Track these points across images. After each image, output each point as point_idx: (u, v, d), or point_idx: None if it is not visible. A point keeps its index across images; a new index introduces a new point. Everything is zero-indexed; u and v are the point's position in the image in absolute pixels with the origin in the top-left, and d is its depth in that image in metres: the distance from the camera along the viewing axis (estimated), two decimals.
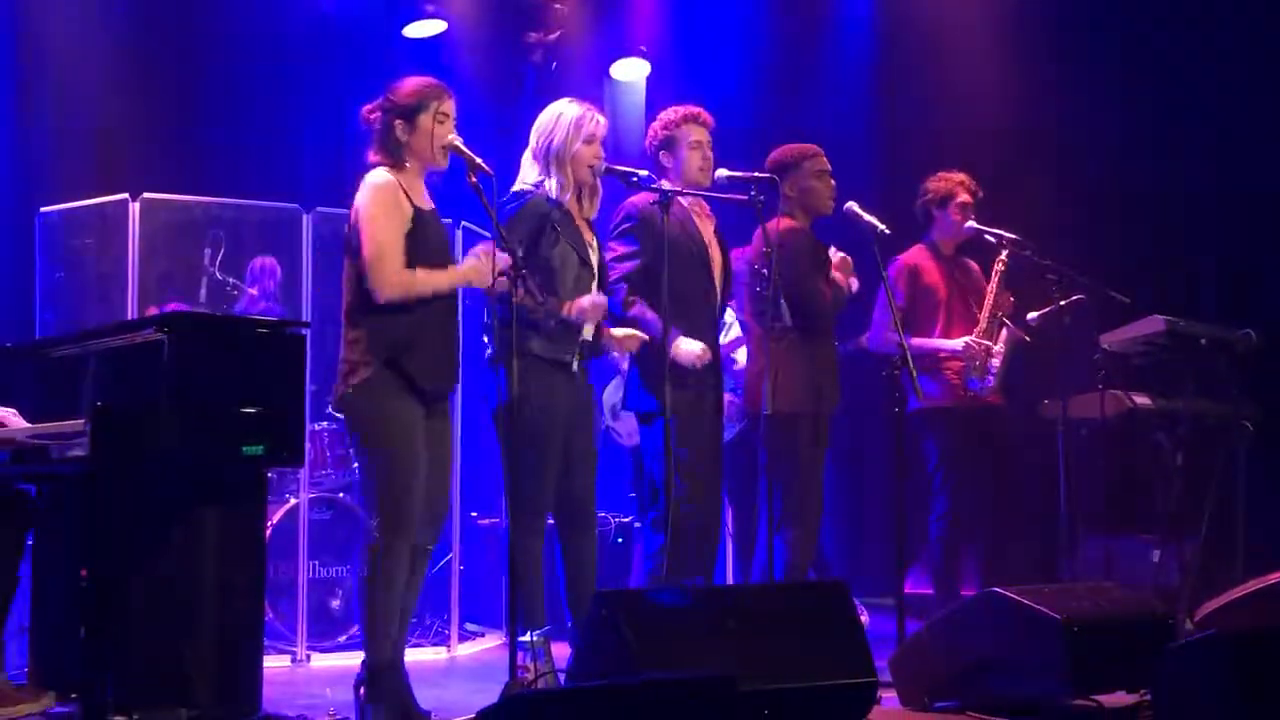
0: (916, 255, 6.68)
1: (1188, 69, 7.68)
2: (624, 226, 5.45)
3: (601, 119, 5.27)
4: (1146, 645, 4.66)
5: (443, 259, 4.86)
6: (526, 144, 5.34)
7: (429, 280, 4.71)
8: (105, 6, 7.35)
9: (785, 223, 5.73)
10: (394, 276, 4.66)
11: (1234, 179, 7.67)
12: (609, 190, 5.45)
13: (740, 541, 7.16)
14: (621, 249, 5.42)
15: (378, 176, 4.77)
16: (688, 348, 5.31)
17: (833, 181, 5.92)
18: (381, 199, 4.72)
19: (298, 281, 6.47)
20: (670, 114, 5.62)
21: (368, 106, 4.89)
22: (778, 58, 8.52)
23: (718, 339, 5.66)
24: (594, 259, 5.27)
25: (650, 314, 5.31)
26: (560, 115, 5.22)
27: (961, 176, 6.67)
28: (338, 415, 6.95)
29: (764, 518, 5.59)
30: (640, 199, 5.44)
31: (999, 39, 8.17)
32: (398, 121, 4.81)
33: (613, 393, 7.06)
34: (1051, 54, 8.08)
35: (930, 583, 6.69)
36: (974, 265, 6.73)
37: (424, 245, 4.75)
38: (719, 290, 5.62)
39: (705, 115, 5.59)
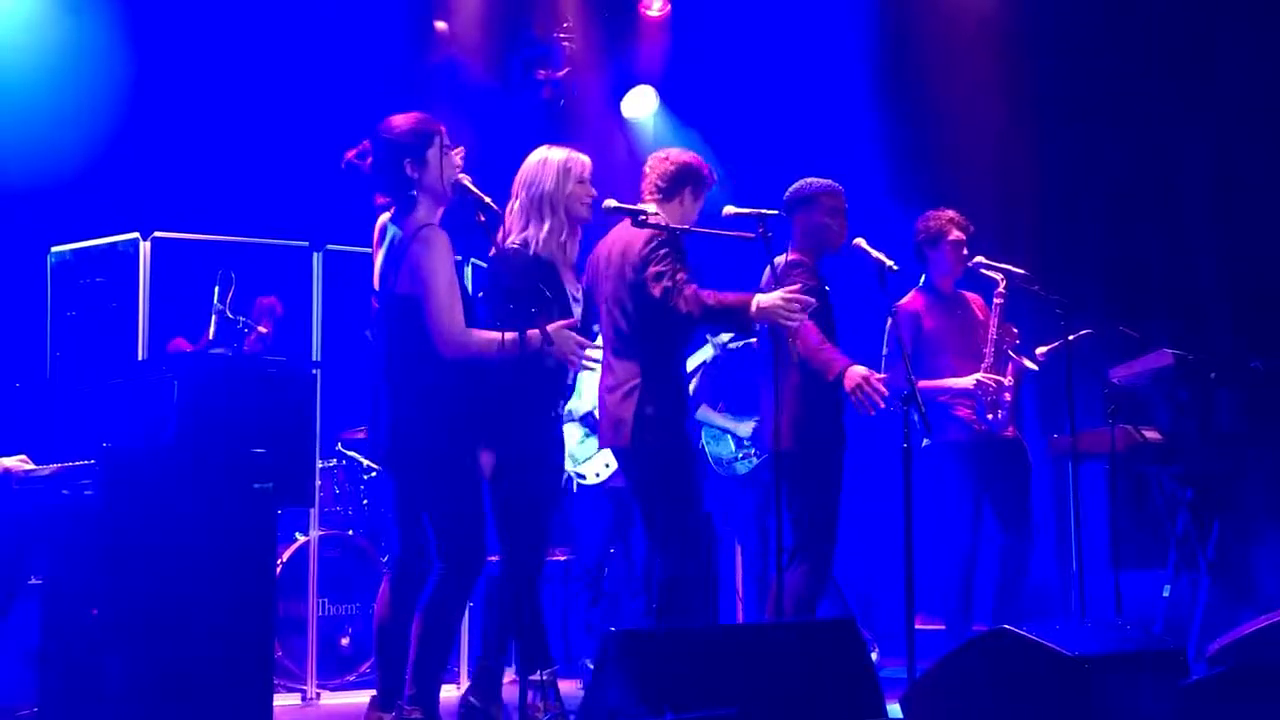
0: (915, 300, 6.65)
1: (1197, 89, 7.69)
2: (665, 250, 5.29)
3: (586, 159, 5.28)
4: (1158, 681, 4.64)
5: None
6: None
7: (494, 347, 4.74)
8: (115, 46, 7.39)
9: (791, 257, 5.76)
10: (460, 336, 4.73)
11: (1247, 208, 7.67)
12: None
13: (752, 577, 7.17)
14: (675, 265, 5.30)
15: (436, 231, 4.78)
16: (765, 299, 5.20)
17: (845, 221, 5.93)
18: (447, 257, 4.75)
19: (307, 320, 6.49)
20: (697, 158, 5.57)
21: (355, 150, 4.89)
22: (783, 90, 8.55)
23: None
24: (577, 306, 5.25)
25: None
26: (546, 161, 5.21)
27: (951, 214, 6.64)
28: (349, 454, 7.01)
29: (774, 553, 5.58)
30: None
31: (1001, 69, 8.19)
32: (406, 160, 4.82)
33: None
34: (1055, 80, 8.09)
35: (944, 618, 6.67)
36: (974, 298, 6.71)
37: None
38: None
39: (714, 176, 5.60)
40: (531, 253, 5.12)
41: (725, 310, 5.21)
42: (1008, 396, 6.47)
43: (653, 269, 5.19)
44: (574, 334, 4.92)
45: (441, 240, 4.76)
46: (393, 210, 4.90)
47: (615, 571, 7.01)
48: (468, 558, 4.79)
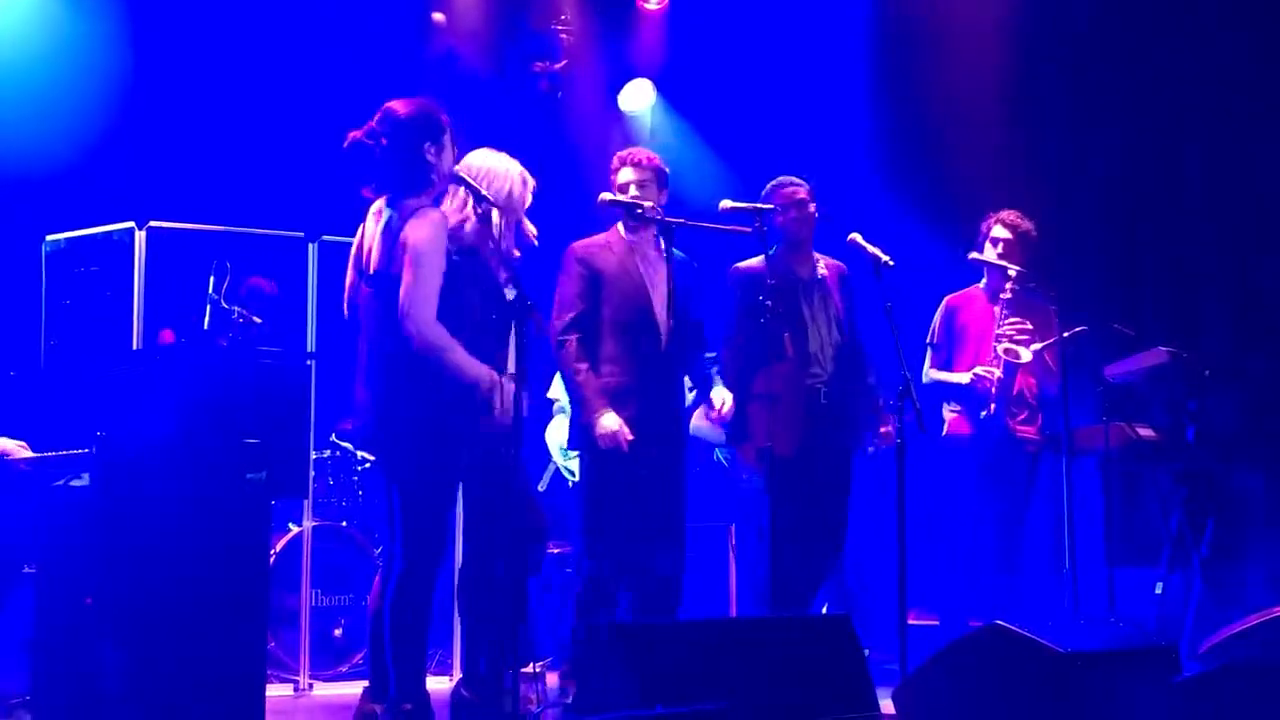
0: (964, 294, 6.73)
1: (1193, 88, 7.69)
2: (568, 270, 5.51)
3: (532, 182, 5.33)
4: (1151, 679, 4.65)
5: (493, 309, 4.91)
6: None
7: (455, 357, 4.71)
8: (112, 35, 7.38)
9: (755, 260, 5.90)
10: (427, 320, 4.67)
11: (1243, 206, 7.67)
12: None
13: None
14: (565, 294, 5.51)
15: (436, 212, 4.77)
16: (605, 426, 5.35)
17: (801, 211, 5.98)
18: (440, 239, 4.72)
19: (302, 310, 6.49)
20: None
21: (363, 130, 4.85)
22: (781, 84, 8.54)
23: (665, 374, 5.62)
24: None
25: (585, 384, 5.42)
26: (509, 169, 5.24)
27: (1004, 213, 6.65)
28: (343, 444, 7.01)
29: (760, 548, 5.66)
30: (583, 241, 5.60)
31: (998, 65, 8.18)
32: (427, 144, 4.80)
33: (555, 431, 7.13)
34: (1051, 76, 8.08)
35: (941, 614, 6.68)
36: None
37: (450, 286, 4.78)
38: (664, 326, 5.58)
39: (637, 155, 5.65)
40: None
41: None
42: (992, 390, 6.48)
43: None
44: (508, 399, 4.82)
45: (439, 221, 4.74)
46: (388, 195, 4.86)
47: None
48: (425, 551, 4.76)
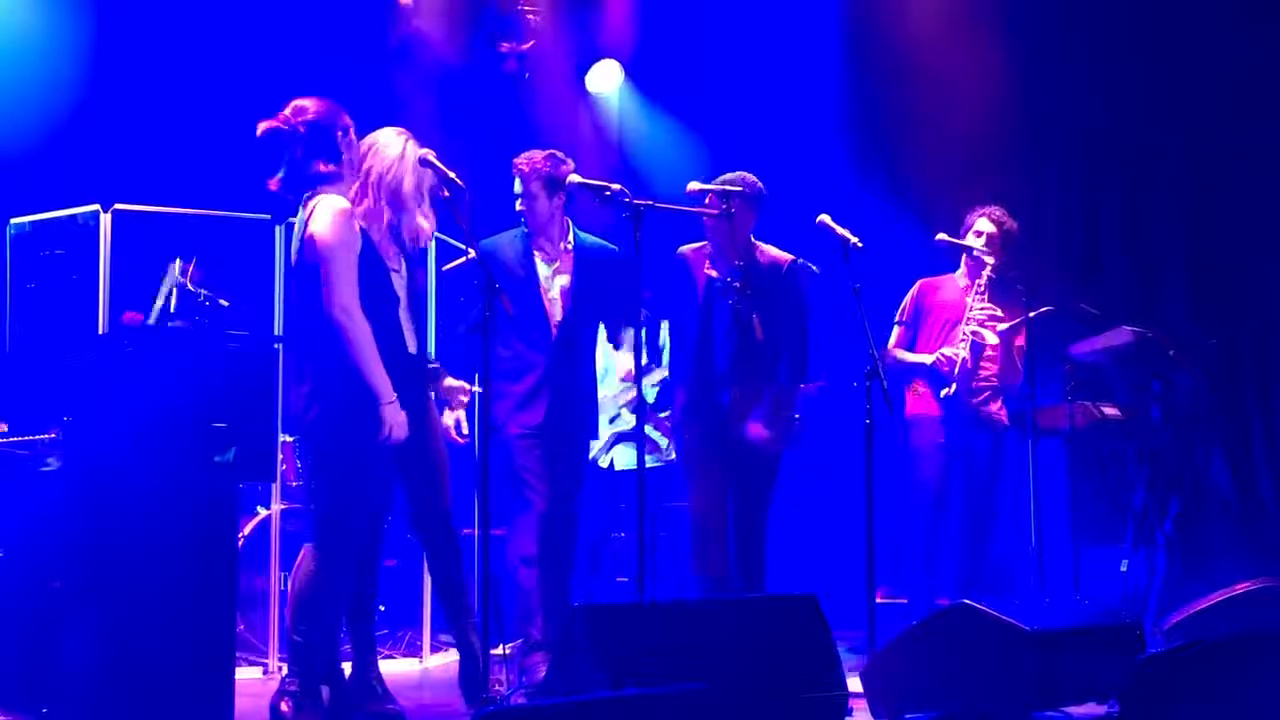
0: (939, 278, 6.73)
1: (1156, 69, 7.74)
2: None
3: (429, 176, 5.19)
4: (1115, 656, 4.70)
5: (382, 290, 4.84)
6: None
7: (368, 357, 4.67)
8: (75, 18, 7.32)
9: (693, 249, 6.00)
10: (347, 305, 4.65)
11: (1209, 187, 7.72)
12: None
13: None
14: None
15: (334, 200, 4.76)
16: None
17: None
18: (344, 226, 4.71)
19: (269, 293, 6.46)
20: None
21: (276, 120, 4.91)
22: (750, 66, 8.54)
23: (559, 362, 5.65)
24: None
25: None
26: (404, 159, 5.13)
27: (990, 209, 6.64)
28: None
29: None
30: (487, 240, 5.62)
31: (966, 50, 8.20)
32: (339, 134, 4.87)
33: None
34: (1018, 59, 8.10)
35: (908, 593, 6.72)
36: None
37: (365, 272, 4.75)
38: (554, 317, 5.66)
39: (518, 161, 5.66)
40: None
41: None
42: (954, 371, 6.51)
43: None
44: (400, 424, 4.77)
45: (340, 207, 4.73)
46: (305, 188, 4.89)
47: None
48: (330, 532, 4.75)
